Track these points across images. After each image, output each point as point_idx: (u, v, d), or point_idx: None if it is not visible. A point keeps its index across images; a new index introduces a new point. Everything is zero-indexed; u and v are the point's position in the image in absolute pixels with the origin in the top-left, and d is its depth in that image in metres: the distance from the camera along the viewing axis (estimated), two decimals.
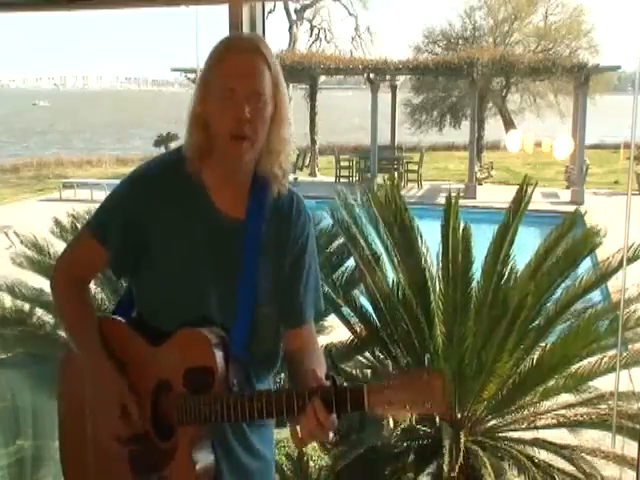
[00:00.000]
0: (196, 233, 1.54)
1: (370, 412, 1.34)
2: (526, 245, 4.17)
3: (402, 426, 3.20)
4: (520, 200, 3.83)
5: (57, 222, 4.36)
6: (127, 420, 1.52)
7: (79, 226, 4.22)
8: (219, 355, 1.46)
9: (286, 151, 1.55)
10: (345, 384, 1.39)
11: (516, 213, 3.81)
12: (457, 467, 3.19)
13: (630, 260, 3.66)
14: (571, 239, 3.81)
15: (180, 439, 1.49)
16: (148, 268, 1.58)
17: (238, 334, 1.51)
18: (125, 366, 1.55)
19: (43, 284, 4.13)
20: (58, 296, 1.66)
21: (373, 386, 1.33)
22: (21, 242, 4.24)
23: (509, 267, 3.81)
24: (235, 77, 1.46)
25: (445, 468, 3.17)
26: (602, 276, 3.81)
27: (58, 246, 4.26)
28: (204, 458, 1.51)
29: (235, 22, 2.10)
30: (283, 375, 2.57)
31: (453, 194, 3.88)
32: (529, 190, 3.85)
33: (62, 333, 3.73)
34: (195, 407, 1.46)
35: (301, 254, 1.61)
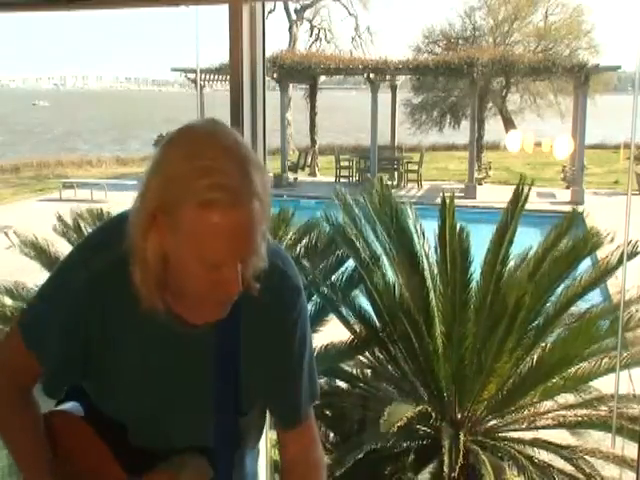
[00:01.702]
0: (154, 348, 1.24)
1: None
2: (526, 245, 4.16)
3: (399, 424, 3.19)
4: (517, 200, 3.84)
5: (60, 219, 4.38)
6: None
7: (82, 225, 4.24)
8: None
9: (264, 249, 1.15)
10: None
11: (514, 213, 3.81)
12: (457, 467, 3.19)
13: (629, 257, 3.66)
14: (571, 239, 3.81)
15: None
16: (97, 382, 1.31)
17: (220, 456, 1.28)
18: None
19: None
20: None
21: None
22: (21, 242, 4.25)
23: (508, 267, 3.82)
24: (223, 253, 1.07)
25: (445, 468, 3.18)
26: (601, 275, 3.82)
27: (59, 245, 4.28)
28: None
29: (235, 22, 2.10)
30: None
31: (447, 194, 3.89)
32: (525, 190, 3.86)
33: None
34: None
35: (290, 342, 1.29)
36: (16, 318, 1.36)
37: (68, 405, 1.37)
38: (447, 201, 3.83)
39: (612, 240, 3.80)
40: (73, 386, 1.38)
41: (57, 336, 1.25)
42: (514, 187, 3.92)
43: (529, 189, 3.90)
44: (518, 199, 3.83)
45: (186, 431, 1.28)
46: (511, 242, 3.78)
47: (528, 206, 3.90)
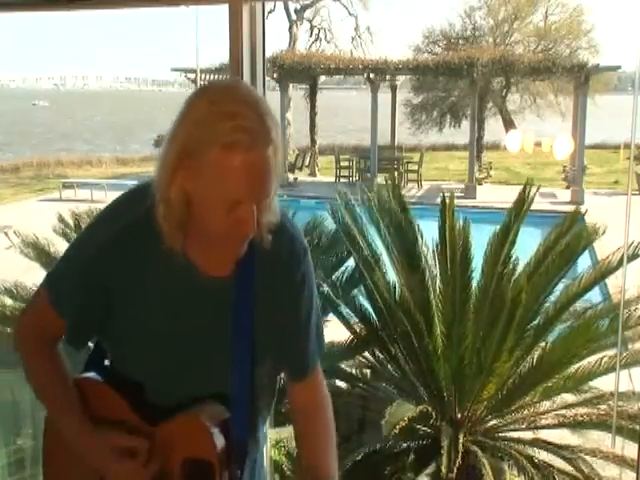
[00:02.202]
0: (174, 298, 1.32)
1: None
2: (527, 245, 4.17)
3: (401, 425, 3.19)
4: (522, 202, 3.84)
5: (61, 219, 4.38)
6: (136, 462, 1.34)
7: (82, 225, 4.24)
8: (219, 444, 1.30)
9: (276, 198, 1.29)
10: None
11: (518, 215, 3.82)
12: (455, 467, 3.19)
13: (630, 259, 3.67)
14: (568, 236, 3.82)
15: None
16: (119, 335, 1.37)
17: (238, 404, 1.34)
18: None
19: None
20: (24, 361, 1.42)
21: None
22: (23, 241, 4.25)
23: (510, 268, 3.82)
24: (242, 191, 1.18)
25: (443, 469, 3.18)
26: (601, 275, 3.82)
27: (59, 246, 4.28)
28: None
29: (235, 22, 2.10)
30: None
31: (447, 194, 3.90)
32: (532, 192, 3.86)
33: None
34: None
35: (298, 297, 1.40)
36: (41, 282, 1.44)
37: (89, 374, 1.45)
38: (447, 201, 3.83)
39: (604, 232, 3.81)
40: (91, 356, 1.48)
41: (80, 290, 1.34)
42: (514, 187, 3.94)
43: (537, 190, 3.91)
44: (523, 201, 3.84)
45: (203, 381, 1.34)
46: (513, 243, 3.78)
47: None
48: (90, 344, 1.49)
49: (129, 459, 1.32)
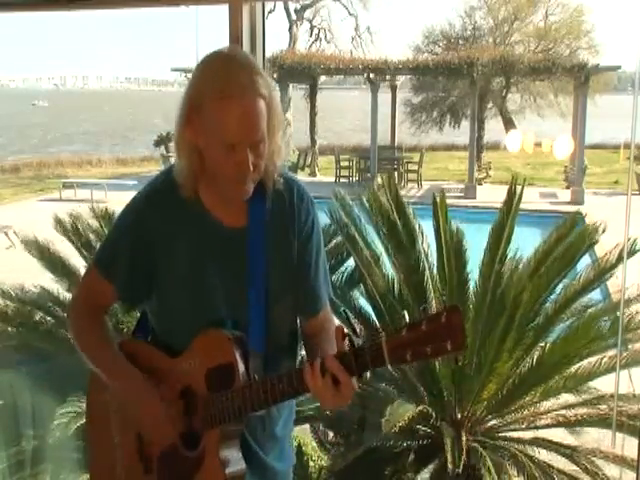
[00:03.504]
0: (199, 248, 1.56)
1: (392, 364, 1.30)
2: (528, 245, 4.17)
3: (400, 424, 3.19)
4: (511, 200, 3.84)
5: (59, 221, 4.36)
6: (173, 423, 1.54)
7: (79, 226, 4.23)
8: (238, 351, 1.48)
9: (281, 152, 1.54)
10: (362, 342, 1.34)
11: (509, 213, 3.81)
12: (462, 463, 3.20)
13: (629, 255, 3.67)
14: (570, 237, 3.82)
15: (207, 444, 1.50)
16: (158, 290, 1.60)
17: (254, 336, 1.52)
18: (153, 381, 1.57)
19: (44, 282, 4.14)
20: (76, 333, 1.66)
21: (391, 339, 1.30)
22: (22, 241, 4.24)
23: (507, 266, 3.82)
24: (235, 135, 1.43)
25: (449, 465, 3.17)
26: (601, 273, 3.82)
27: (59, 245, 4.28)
28: (233, 459, 1.52)
29: (235, 22, 2.10)
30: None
31: (437, 193, 3.90)
32: (518, 189, 3.86)
33: (63, 332, 3.73)
34: (220, 406, 1.47)
35: (307, 241, 1.60)
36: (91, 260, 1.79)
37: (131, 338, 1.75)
38: (438, 200, 3.84)
39: (604, 230, 3.81)
40: (137, 325, 1.75)
41: (126, 258, 1.59)
42: (515, 187, 3.92)
43: (522, 188, 3.90)
44: (512, 199, 3.84)
45: (227, 324, 1.54)
46: (508, 241, 3.78)
47: (529, 206, 3.92)
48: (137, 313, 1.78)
49: (168, 405, 1.53)
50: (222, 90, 1.42)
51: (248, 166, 1.44)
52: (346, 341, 1.35)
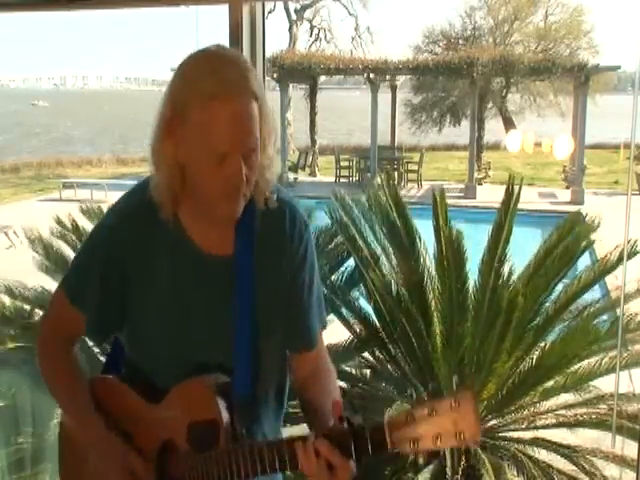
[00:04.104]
0: (179, 279, 1.38)
1: (394, 450, 1.14)
2: (527, 246, 4.17)
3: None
4: (509, 199, 3.84)
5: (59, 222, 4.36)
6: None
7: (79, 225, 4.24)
8: (222, 405, 1.32)
9: (272, 165, 1.35)
10: (361, 422, 1.18)
11: (507, 212, 3.81)
12: (460, 468, 3.20)
13: (629, 256, 3.67)
14: (570, 238, 3.82)
15: None
16: (132, 322, 1.44)
17: (240, 375, 1.37)
18: (125, 428, 1.42)
19: (44, 282, 4.14)
20: (43, 365, 1.48)
21: (395, 421, 1.13)
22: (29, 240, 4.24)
23: (506, 266, 3.82)
24: (227, 140, 1.23)
25: (448, 471, 3.18)
26: (600, 273, 3.82)
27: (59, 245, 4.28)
28: None
29: (235, 22, 2.10)
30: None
31: (437, 192, 3.90)
32: (517, 189, 3.86)
33: None
34: (203, 466, 1.32)
35: (300, 269, 1.43)
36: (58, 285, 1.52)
37: (107, 375, 1.54)
38: (438, 198, 3.84)
39: (599, 225, 3.80)
40: (109, 358, 1.56)
41: (96, 281, 1.40)
42: (514, 187, 3.92)
43: (520, 187, 3.90)
44: (510, 199, 3.84)
45: (210, 353, 1.38)
46: (507, 241, 3.77)
47: (529, 206, 3.92)
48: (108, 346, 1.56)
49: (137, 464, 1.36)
50: (209, 90, 1.22)
51: (242, 178, 1.25)
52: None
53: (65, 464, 1.55)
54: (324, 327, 1.51)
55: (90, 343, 2.99)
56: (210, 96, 1.22)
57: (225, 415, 1.32)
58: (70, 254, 4.23)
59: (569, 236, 3.83)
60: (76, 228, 4.21)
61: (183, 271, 1.38)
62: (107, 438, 1.38)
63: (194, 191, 1.31)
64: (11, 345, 3.83)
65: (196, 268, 1.37)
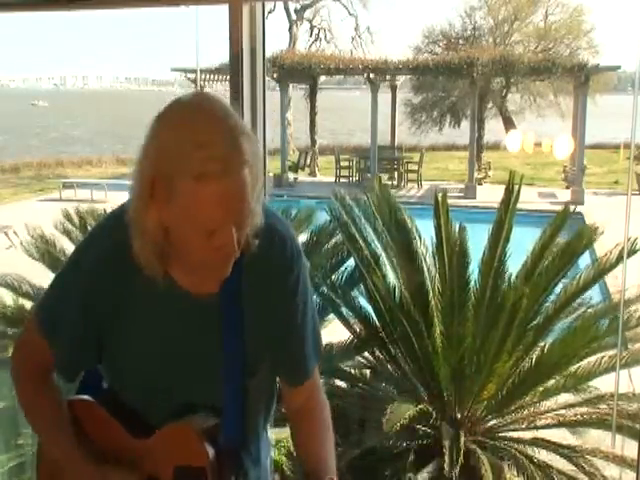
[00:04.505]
0: (162, 319, 1.31)
1: None
2: (527, 245, 4.16)
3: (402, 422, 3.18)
4: (509, 199, 3.84)
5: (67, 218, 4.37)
6: None
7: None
8: (210, 451, 1.28)
9: (257, 212, 1.22)
10: None
11: (507, 211, 3.81)
12: (458, 465, 3.19)
13: (629, 254, 3.67)
14: (566, 236, 3.82)
15: None
16: (112, 362, 1.37)
17: (230, 417, 1.32)
18: (107, 458, 1.36)
19: (45, 280, 4.14)
20: (18, 393, 1.41)
21: None
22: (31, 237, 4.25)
23: (506, 266, 3.82)
24: (218, 220, 1.14)
25: (446, 467, 3.18)
26: (600, 273, 3.82)
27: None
28: None
29: (235, 22, 2.10)
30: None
31: (440, 193, 3.90)
32: (516, 188, 3.87)
33: None
34: None
35: (291, 302, 1.34)
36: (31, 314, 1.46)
37: (83, 396, 1.45)
38: (440, 199, 3.84)
39: (602, 232, 3.81)
40: (86, 378, 1.45)
41: (70, 320, 1.32)
42: (514, 187, 3.92)
43: (519, 187, 3.90)
44: (510, 197, 3.84)
45: (196, 395, 1.33)
46: (507, 240, 3.78)
47: (529, 206, 3.92)
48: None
49: None
50: (196, 170, 1.10)
51: (233, 249, 1.17)
52: None
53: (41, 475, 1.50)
54: (319, 360, 1.44)
55: None
56: (200, 176, 1.10)
57: (213, 462, 1.28)
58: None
59: (563, 231, 3.83)
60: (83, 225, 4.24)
61: (168, 312, 1.30)
62: (88, 472, 1.34)
63: (178, 249, 1.21)
64: (12, 345, 3.83)
65: (182, 309, 1.30)
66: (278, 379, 1.46)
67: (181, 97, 1.20)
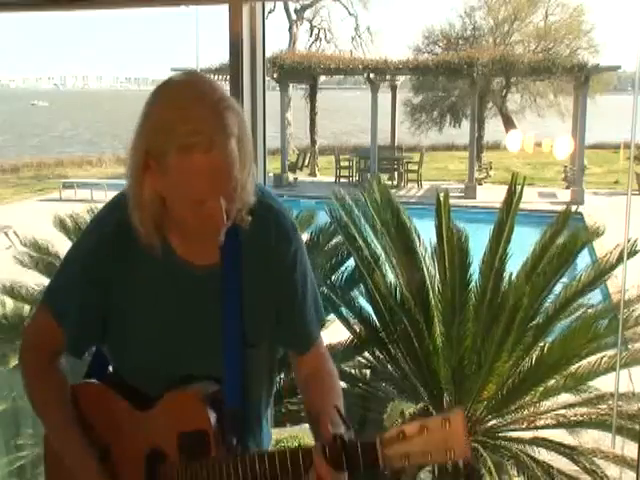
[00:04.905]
0: (164, 291, 1.37)
1: (386, 468, 1.17)
2: (528, 246, 4.17)
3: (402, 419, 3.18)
4: (511, 199, 3.84)
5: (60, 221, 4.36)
6: None
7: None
8: (212, 415, 1.32)
9: (249, 187, 1.28)
10: (354, 437, 1.21)
11: (508, 212, 3.81)
12: (461, 466, 3.20)
13: (629, 255, 3.67)
14: (566, 236, 3.82)
15: None
16: (117, 336, 1.42)
17: (230, 385, 1.36)
18: (106, 439, 1.42)
19: (43, 282, 4.14)
20: (26, 378, 1.46)
21: (387, 438, 1.16)
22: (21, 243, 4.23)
23: (507, 266, 3.82)
24: (206, 191, 1.20)
25: (448, 467, 3.18)
26: (600, 274, 3.81)
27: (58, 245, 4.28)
28: None
29: (235, 22, 2.10)
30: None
31: (441, 193, 3.90)
32: (519, 188, 3.86)
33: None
34: (194, 476, 1.32)
35: (291, 273, 1.41)
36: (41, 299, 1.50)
37: (90, 380, 1.51)
38: (442, 199, 3.84)
39: (603, 232, 3.80)
40: (92, 363, 1.52)
41: (77, 301, 1.39)
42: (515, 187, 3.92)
43: (522, 187, 3.90)
44: (512, 198, 3.84)
45: (199, 365, 1.37)
46: (508, 241, 3.77)
47: (529, 206, 3.92)
48: (90, 352, 1.53)
49: None
50: (184, 142, 1.17)
51: (222, 218, 1.23)
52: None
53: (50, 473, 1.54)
54: (322, 325, 1.51)
55: None
56: (186, 148, 1.17)
57: (215, 425, 1.31)
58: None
59: (563, 231, 3.83)
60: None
61: (171, 283, 1.37)
62: (90, 467, 1.37)
63: (176, 220, 1.29)
64: (10, 345, 3.83)
65: (184, 279, 1.36)
66: (288, 352, 1.51)
67: (172, 76, 1.27)
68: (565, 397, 3.89)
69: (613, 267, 3.76)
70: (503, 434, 3.90)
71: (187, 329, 1.38)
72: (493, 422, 3.95)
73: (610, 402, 3.70)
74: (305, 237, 4.15)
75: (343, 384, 4.16)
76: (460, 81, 20.56)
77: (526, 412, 3.89)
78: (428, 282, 3.99)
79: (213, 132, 1.17)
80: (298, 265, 1.42)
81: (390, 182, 16.57)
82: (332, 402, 1.36)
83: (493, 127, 23.54)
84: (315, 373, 1.47)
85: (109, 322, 1.40)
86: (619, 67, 19.39)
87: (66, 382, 1.47)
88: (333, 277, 4.12)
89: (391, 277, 4.09)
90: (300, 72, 18.35)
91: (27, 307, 4.07)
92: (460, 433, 1.14)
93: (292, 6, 24.04)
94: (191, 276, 1.36)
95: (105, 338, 1.44)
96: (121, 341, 1.42)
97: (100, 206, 1.51)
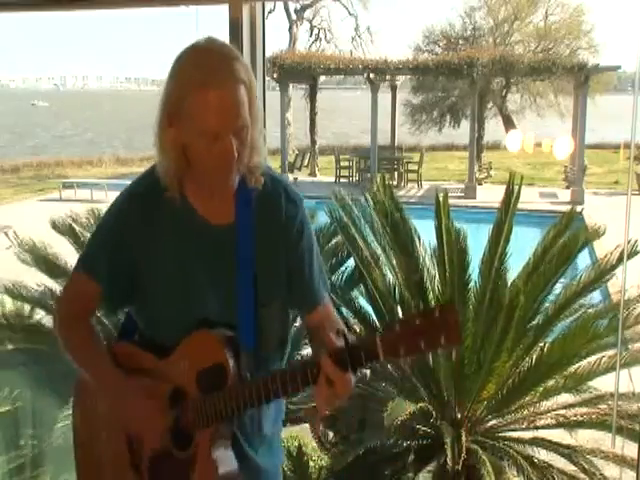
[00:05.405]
0: (185, 247, 1.54)
1: (386, 360, 1.30)
2: (527, 245, 4.17)
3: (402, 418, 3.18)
4: (509, 198, 3.84)
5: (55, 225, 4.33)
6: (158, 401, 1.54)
7: (76, 228, 4.22)
8: (229, 352, 1.47)
9: (259, 149, 1.51)
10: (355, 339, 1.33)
11: (507, 211, 3.81)
12: (461, 460, 3.19)
13: (629, 256, 3.66)
14: (566, 236, 3.82)
15: (199, 444, 1.50)
16: (144, 291, 1.58)
17: (245, 335, 1.51)
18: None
19: (43, 283, 4.14)
20: (63, 336, 1.64)
21: (385, 334, 1.28)
22: (19, 244, 4.22)
23: (506, 266, 3.82)
24: (218, 123, 1.40)
25: (449, 462, 3.17)
26: (600, 274, 3.81)
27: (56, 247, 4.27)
28: (226, 459, 1.52)
29: (235, 22, 2.10)
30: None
31: (441, 193, 3.89)
32: (516, 188, 3.86)
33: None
34: (212, 407, 1.47)
35: (298, 242, 1.58)
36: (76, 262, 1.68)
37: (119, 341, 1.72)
38: (441, 199, 3.84)
39: (604, 233, 3.80)
40: (122, 327, 1.71)
41: (110, 257, 1.57)
42: (514, 187, 3.92)
43: (519, 186, 3.90)
44: (510, 198, 3.83)
45: (216, 315, 1.53)
46: (507, 241, 3.77)
47: (530, 206, 3.92)
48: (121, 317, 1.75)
49: (153, 399, 1.52)
50: (198, 81, 1.39)
51: (232, 153, 1.42)
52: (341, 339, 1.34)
53: (79, 433, 1.71)
54: (327, 289, 1.66)
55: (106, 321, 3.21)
56: (200, 85, 1.39)
57: (231, 359, 1.46)
58: (69, 253, 4.23)
59: (566, 233, 3.83)
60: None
61: (191, 239, 1.53)
62: (129, 382, 1.54)
63: (195, 168, 1.48)
64: (10, 347, 3.83)
65: (202, 236, 1.53)
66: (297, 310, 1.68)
67: (193, 42, 1.49)
68: (565, 397, 3.89)
69: (613, 267, 3.76)
70: (503, 434, 3.90)
71: (207, 280, 1.53)
72: (493, 422, 3.95)
73: (610, 402, 3.70)
74: None
75: None
76: (460, 81, 20.54)
77: (526, 412, 3.89)
78: (428, 282, 3.99)
79: (223, 74, 1.40)
80: (305, 234, 1.60)
81: (390, 182, 16.55)
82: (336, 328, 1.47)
83: (493, 127, 23.55)
84: (322, 324, 1.59)
85: (137, 277, 1.56)
86: (619, 67, 19.42)
87: (98, 332, 1.66)
88: (333, 277, 4.12)
89: (391, 277, 4.09)
90: (300, 72, 18.36)
91: (27, 307, 4.07)
92: (451, 318, 1.24)
93: (292, 6, 24.07)
94: (210, 233, 1.54)
95: (134, 296, 1.60)
96: (147, 296, 1.57)
97: (100, 206, 1.60)
